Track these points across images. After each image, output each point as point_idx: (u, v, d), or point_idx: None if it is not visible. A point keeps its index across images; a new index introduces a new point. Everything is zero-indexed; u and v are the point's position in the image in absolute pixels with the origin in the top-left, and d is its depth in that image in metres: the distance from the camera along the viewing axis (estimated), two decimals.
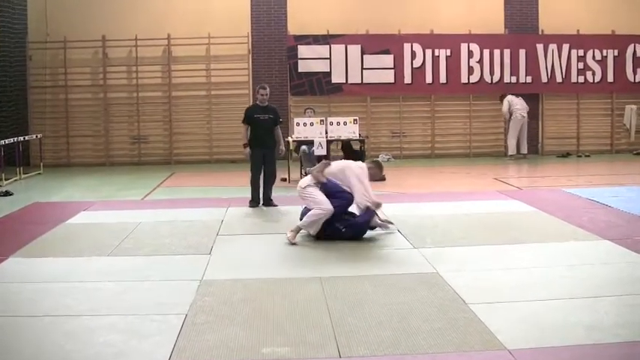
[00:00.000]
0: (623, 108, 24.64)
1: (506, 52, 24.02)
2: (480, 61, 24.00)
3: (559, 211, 12.95)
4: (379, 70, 23.72)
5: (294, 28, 23.55)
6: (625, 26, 24.35)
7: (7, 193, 16.43)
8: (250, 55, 23.69)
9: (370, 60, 23.70)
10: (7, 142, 19.04)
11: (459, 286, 8.20)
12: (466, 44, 23.93)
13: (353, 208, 11.26)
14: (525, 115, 23.30)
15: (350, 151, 18.62)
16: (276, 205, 14.22)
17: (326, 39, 23.50)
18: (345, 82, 23.57)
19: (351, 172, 11.14)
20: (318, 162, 17.54)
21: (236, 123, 23.35)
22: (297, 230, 11.03)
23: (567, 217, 12.39)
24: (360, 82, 23.71)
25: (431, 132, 24.30)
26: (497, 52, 24.02)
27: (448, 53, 23.92)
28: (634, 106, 24.53)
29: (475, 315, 7.17)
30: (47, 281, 8.77)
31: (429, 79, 23.93)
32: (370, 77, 23.72)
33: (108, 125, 23.62)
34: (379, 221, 11.40)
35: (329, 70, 23.59)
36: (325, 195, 11.00)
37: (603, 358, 6.18)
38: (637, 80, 24.49)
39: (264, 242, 10.98)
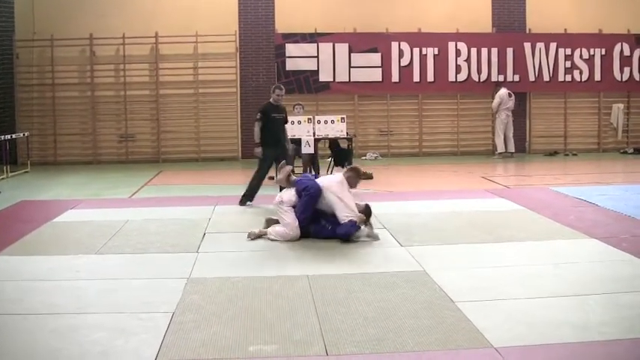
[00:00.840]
0: (610, 107, 24.76)
1: (494, 50, 24.09)
2: (468, 60, 24.05)
3: (546, 209, 12.98)
4: (367, 68, 23.74)
5: (281, 26, 23.55)
6: (612, 25, 24.43)
7: None
8: (238, 54, 23.68)
9: (358, 58, 23.72)
10: None
11: (446, 284, 8.21)
12: (454, 43, 23.98)
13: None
14: (510, 113, 23.38)
15: (337, 149, 18.59)
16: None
17: (314, 37, 23.51)
18: (332, 80, 23.59)
19: (329, 193, 11.00)
20: (309, 160, 17.68)
21: (224, 121, 23.63)
22: (262, 235, 11.10)
23: (554, 215, 12.42)
24: (347, 80, 23.72)
25: (418, 130, 24.34)
26: (484, 50, 24.08)
27: (436, 52, 23.96)
28: (621, 105, 24.66)
29: (462, 313, 7.18)
30: (33, 279, 8.74)
31: (416, 77, 23.96)
32: (358, 76, 23.74)
33: (95, 123, 23.57)
34: (365, 233, 11.23)
35: (317, 69, 23.60)
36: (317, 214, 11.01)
37: (589, 355, 6.20)
38: (624, 79, 24.59)
39: (252, 240, 10.96)
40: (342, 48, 23.64)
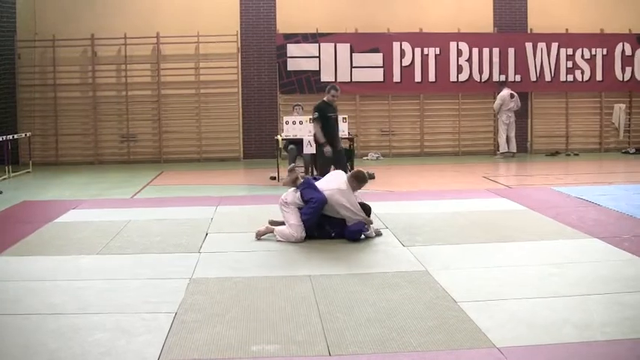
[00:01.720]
0: (611, 107, 24.76)
1: (495, 50, 24.10)
2: (469, 60, 24.07)
3: (548, 209, 12.97)
4: (368, 68, 23.76)
5: (283, 26, 23.56)
6: (614, 25, 24.45)
7: None
8: (239, 54, 23.69)
9: (359, 58, 23.73)
10: None
11: (449, 284, 8.21)
12: (455, 43, 23.99)
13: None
14: (512, 114, 23.40)
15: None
16: None
17: (315, 37, 23.53)
18: (334, 80, 23.51)
19: (336, 203, 10.98)
20: (311, 160, 17.67)
21: (226, 121, 23.66)
22: (268, 232, 11.13)
23: (556, 215, 12.41)
24: (349, 80, 23.72)
25: (420, 130, 24.34)
26: (486, 50, 24.09)
27: (437, 52, 23.97)
28: (622, 105, 24.66)
29: (465, 313, 7.17)
30: (35, 280, 8.73)
31: (418, 77, 23.97)
32: (359, 76, 23.75)
33: (97, 124, 23.59)
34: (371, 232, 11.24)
35: (318, 69, 23.62)
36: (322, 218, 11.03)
37: (592, 355, 6.19)
38: (625, 79, 24.60)
39: (254, 240, 10.96)
40: (344, 48, 23.65)
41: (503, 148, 23.48)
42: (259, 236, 11.08)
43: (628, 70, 24.66)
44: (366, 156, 23.49)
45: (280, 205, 11.27)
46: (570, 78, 24.48)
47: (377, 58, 23.82)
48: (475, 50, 24.06)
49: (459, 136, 24.48)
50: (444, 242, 10.63)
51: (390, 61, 23.85)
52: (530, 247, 10.26)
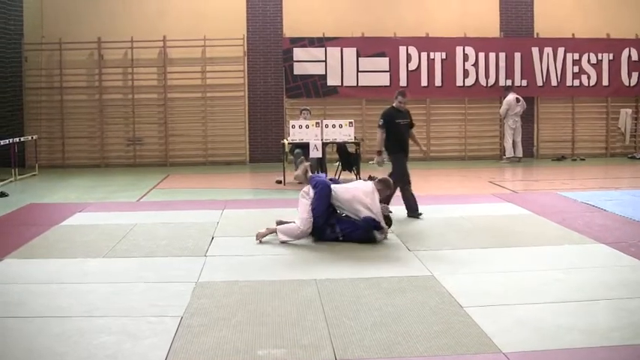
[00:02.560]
0: (618, 112, 24.70)
1: (502, 55, 24.06)
2: (476, 65, 24.03)
3: (554, 214, 12.96)
4: (375, 72, 23.73)
5: (289, 30, 23.56)
6: (620, 30, 24.41)
7: (2, 195, 16.38)
8: (246, 58, 23.69)
9: (366, 63, 23.71)
10: (2, 144, 19.03)
11: (455, 289, 8.21)
12: (461, 47, 23.96)
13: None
14: (518, 119, 23.38)
15: (345, 154, 18.59)
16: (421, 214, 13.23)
17: (321, 41, 23.52)
18: (340, 84, 23.59)
19: (361, 205, 11.02)
20: (317, 164, 17.68)
21: (232, 125, 23.66)
22: (271, 232, 11.20)
23: (562, 220, 12.40)
24: (355, 84, 23.72)
25: (426, 135, 24.29)
26: (492, 55, 24.05)
27: (443, 56, 23.94)
28: (629, 110, 24.61)
29: (471, 318, 7.17)
30: (41, 283, 8.75)
31: (424, 82, 23.95)
32: (366, 80, 23.73)
33: (103, 127, 23.60)
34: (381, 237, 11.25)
35: (324, 73, 23.60)
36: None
37: None
38: (632, 84, 24.54)
39: (260, 244, 10.97)
40: (350, 52, 23.63)
41: (509, 152, 23.46)
42: (260, 238, 11.11)
43: (634, 75, 24.60)
44: (372, 160, 23.43)
45: (300, 196, 11.39)
46: (577, 83, 24.44)
47: (383, 63, 23.81)
48: (481, 55, 24.03)
49: (465, 140, 24.46)
50: (450, 247, 10.63)
51: (397, 66, 23.83)
52: (536, 252, 10.26)
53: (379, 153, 13.88)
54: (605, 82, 24.53)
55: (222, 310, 7.58)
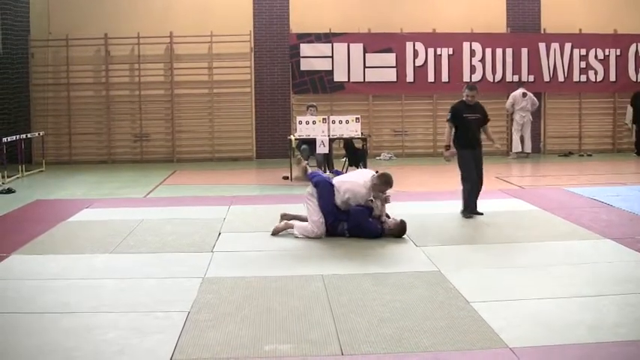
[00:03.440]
0: (625, 107, 24.60)
1: (509, 51, 24.02)
2: (482, 60, 24.00)
3: (561, 210, 12.96)
4: (381, 68, 23.71)
5: (296, 26, 23.55)
6: (627, 25, 24.34)
7: (9, 191, 16.42)
8: (252, 54, 23.69)
9: (372, 58, 23.69)
10: (9, 140, 19.06)
11: (461, 284, 8.21)
12: (468, 43, 23.93)
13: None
14: (525, 114, 23.31)
15: (352, 149, 18.60)
16: (481, 214, 12.78)
17: (328, 37, 23.50)
18: (347, 80, 23.57)
19: (355, 201, 11.08)
20: (324, 160, 17.69)
21: (238, 121, 23.68)
22: (287, 228, 11.27)
23: (569, 216, 12.40)
24: (362, 80, 23.71)
25: (433, 130, 24.28)
26: (499, 51, 24.02)
27: (450, 52, 23.91)
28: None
29: (477, 313, 7.18)
30: (49, 278, 8.78)
31: (431, 77, 23.92)
32: (372, 76, 23.71)
33: (110, 123, 23.62)
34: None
35: (331, 69, 23.58)
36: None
37: (605, 356, 6.19)
38: (639, 79, 24.47)
39: (266, 240, 10.99)
40: (357, 48, 23.62)
41: (516, 148, 23.42)
42: (276, 232, 11.16)
43: None
44: (379, 156, 23.45)
45: (305, 199, 11.39)
46: (584, 78, 24.40)
47: (390, 58, 23.78)
48: (488, 50, 23.99)
49: None
50: (456, 242, 10.66)
51: (403, 61, 23.81)
52: (542, 247, 10.27)
53: (446, 148, 13.44)
54: (612, 77, 24.48)
55: (229, 306, 7.60)
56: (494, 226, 11.83)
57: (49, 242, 10.97)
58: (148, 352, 6.34)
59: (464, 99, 13.45)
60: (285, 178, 18.22)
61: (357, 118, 18.13)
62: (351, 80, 23.56)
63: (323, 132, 17.75)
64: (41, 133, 22.01)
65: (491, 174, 18.87)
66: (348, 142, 18.55)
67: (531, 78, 24.05)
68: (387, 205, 11.40)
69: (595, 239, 10.69)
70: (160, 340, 6.57)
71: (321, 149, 17.60)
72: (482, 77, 23.92)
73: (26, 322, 7.11)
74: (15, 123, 22.68)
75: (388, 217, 11.27)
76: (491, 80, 23.97)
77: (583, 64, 24.32)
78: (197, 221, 12.42)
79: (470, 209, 12.78)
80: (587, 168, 21.06)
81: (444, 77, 23.94)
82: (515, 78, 23.83)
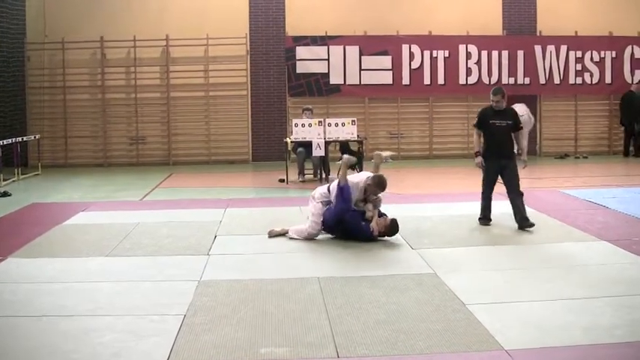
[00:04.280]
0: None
1: (504, 53, 24.04)
2: (478, 63, 24.02)
3: (556, 212, 12.98)
4: (377, 71, 23.71)
5: (292, 29, 23.56)
6: (623, 28, 24.39)
7: (5, 194, 16.42)
8: (249, 56, 23.70)
9: (368, 61, 23.70)
10: (5, 143, 19.05)
11: (457, 286, 8.23)
12: (464, 45, 23.94)
13: None
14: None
15: (348, 152, 18.59)
16: (533, 225, 11.72)
17: (324, 40, 23.50)
18: (343, 83, 23.58)
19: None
20: (319, 162, 17.70)
21: (235, 124, 23.68)
22: (283, 234, 11.35)
23: (565, 218, 12.42)
24: (358, 83, 23.71)
25: (429, 133, 24.32)
26: (495, 53, 24.03)
27: (446, 54, 23.93)
28: None
29: (473, 315, 7.19)
30: (45, 282, 8.78)
31: (427, 80, 23.94)
32: (368, 78, 23.71)
33: (106, 126, 23.62)
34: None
35: (327, 71, 23.58)
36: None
37: (600, 358, 6.21)
38: (634, 82, 24.49)
39: (262, 242, 11.00)
40: (353, 51, 23.63)
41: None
42: (272, 235, 11.22)
43: (637, 72, 24.56)
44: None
45: (310, 200, 11.47)
46: (579, 81, 24.43)
47: (386, 61, 23.80)
48: (484, 53, 24.02)
49: (467, 138, 24.39)
50: (452, 245, 10.65)
51: (399, 64, 23.83)
52: (538, 249, 10.29)
53: (476, 154, 12.50)
54: (607, 79, 24.53)
55: (225, 309, 7.60)
56: (490, 228, 11.84)
57: (45, 245, 10.97)
58: (144, 354, 6.34)
59: (492, 104, 12.34)
60: (281, 180, 18.22)
61: (353, 121, 18.15)
62: (347, 83, 23.57)
63: (319, 135, 17.77)
64: (37, 136, 22.01)
65: None
66: (344, 145, 18.56)
67: (527, 80, 24.07)
68: (381, 208, 11.40)
69: (591, 241, 10.71)
70: (155, 343, 6.57)
71: (317, 152, 17.62)
72: (478, 80, 23.95)
73: (23, 325, 7.11)
74: (11, 126, 22.68)
75: (380, 215, 11.27)
76: (487, 83, 23.93)
77: (579, 67, 24.35)
78: (193, 224, 12.42)
79: (488, 217, 12.24)
80: (582, 170, 21.09)
81: (440, 80, 23.95)
82: (512, 80, 23.84)
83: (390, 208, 12.20)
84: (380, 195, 11.33)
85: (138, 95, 23.56)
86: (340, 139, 18.12)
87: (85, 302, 7.86)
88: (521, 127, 12.44)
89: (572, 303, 7.58)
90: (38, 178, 20.26)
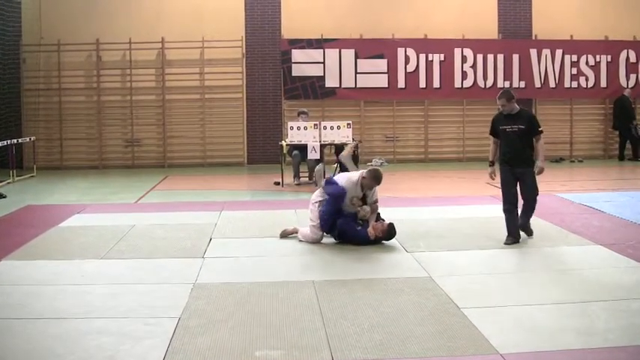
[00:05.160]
0: None
1: (500, 57, 24.08)
2: (474, 66, 24.05)
3: (552, 215, 12.97)
4: (373, 74, 23.74)
5: (288, 32, 23.57)
6: (618, 32, 24.43)
7: (0, 196, 16.39)
8: (244, 59, 23.69)
9: (364, 64, 23.72)
10: (0, 145, 19.00)
11: (452, 290, 8.22)
12: (460, 49, 23.98)
13: None
14: None
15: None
16: (532, 233, 11.44)
17: (320, 43, 23.52)
18: (338, 86, 23.60)
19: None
20: (315, 165, 17.68)
21: (230, 126, 23.67)
22: (291, 233, 11.43)
23: (560, 222, 12.42)
24: (353, 86, 23.73)
25: (424, 136, 24.33)
26: (490, 57, 24.07)
27: (442, 58, 23.96)
28: None
29: (468, 319, 7.19)
30: (39, 284, 8.76)
31: (422, 83, 23.96)
32: (364, 81, 23.74)
33: (101, 128, 23.60)
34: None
35: (323, 75, 23.60)
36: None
37: None
38: (630, 86, 24.52)
39: (258, 246, 10.99)
40: (349, 54, 23.65)
41: None
42: (285, 235, 11.43)
43: (632, 77, 24.63)
44: (370, 162, 23.45)
45: (310, 205, 11.49)
46: (575, 84, 24.48)
47: (381, 64, 23.82)
48: (479, 56, 24.05)
49: (463, 142, 24.46)
50: (447, 248, 10.64)
51: (395, 67, 23.85)
52: (533, 253, 10.30)
53: (490, 164, 11.99)
54: (603, 83, 24.57)
55: (220, 312, 7.59)
56: (485, 232, 11.82)
57: (40, 248, 10.95)
58: (139, 357, 6.33)
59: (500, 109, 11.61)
60: (277, 183, 18.21)
61: (348, 124, 18.16)
62: (343, 86, 23.58)
63: (314, 138, 17.77)
64: (32, 138, 21.97)
65: (482, 180, 18.87)
66: (339, 148, 18.54)
67: (522, 84, 24.09)
68: (378, 210, 11.42)
69: (586, 245, 10.72)
70: (150, 346, 6.56)
71: (313, 155, 17.63)
72: (474, 83, 23.98)
73: (17, 328, 7.09)
74: (6, 128, 22.66)
75: (378, 219, 11.29)
76: (483, 86, 24.02)
77: (574, 71, 24.40)
78: (188, 227, 12.41)
79: (512, 235, 11.11)
80: (578, 174, 21.10)
81: (436, 83, 23.99)
82: (507, 84, 23.85)
83: (385, 211, 12.21)
84: (377, 197, 11.37)
85: (133, 98, 23.55)
86: (335, 142, 18.12)
87: (79, 305, 7.85)
88: (541, 131, 11.29)
89: (567, 307, 7.58)
90: (33, 180, 20.24)
